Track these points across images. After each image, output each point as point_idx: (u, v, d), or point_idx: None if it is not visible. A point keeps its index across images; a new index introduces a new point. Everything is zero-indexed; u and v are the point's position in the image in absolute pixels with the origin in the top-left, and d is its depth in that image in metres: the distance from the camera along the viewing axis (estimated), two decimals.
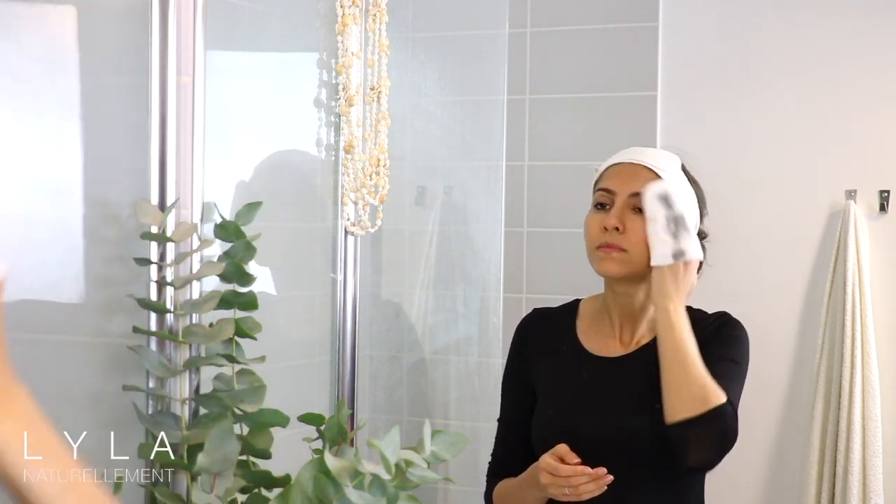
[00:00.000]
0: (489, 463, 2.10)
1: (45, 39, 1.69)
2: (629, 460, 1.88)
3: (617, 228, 1.89)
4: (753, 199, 3.14)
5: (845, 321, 2.97)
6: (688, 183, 1.97)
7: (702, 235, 2.04)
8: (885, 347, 3.01)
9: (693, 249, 1.87)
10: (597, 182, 1.99)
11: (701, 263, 2.05)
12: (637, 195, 1.90)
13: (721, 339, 1.93)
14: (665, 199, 1.87)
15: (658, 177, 1.92)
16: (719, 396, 1.81)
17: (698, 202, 1.98)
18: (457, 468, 2.55)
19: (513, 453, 2.04)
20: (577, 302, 2.08)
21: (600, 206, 1.94)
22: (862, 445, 2.93)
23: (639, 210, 1.90)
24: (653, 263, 1.87)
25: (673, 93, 3.16)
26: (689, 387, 1.81)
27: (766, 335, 3.08)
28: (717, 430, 1.82)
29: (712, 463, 1.86)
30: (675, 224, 1.86)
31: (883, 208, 3.03)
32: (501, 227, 2.80)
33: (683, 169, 1.99)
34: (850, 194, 3.05)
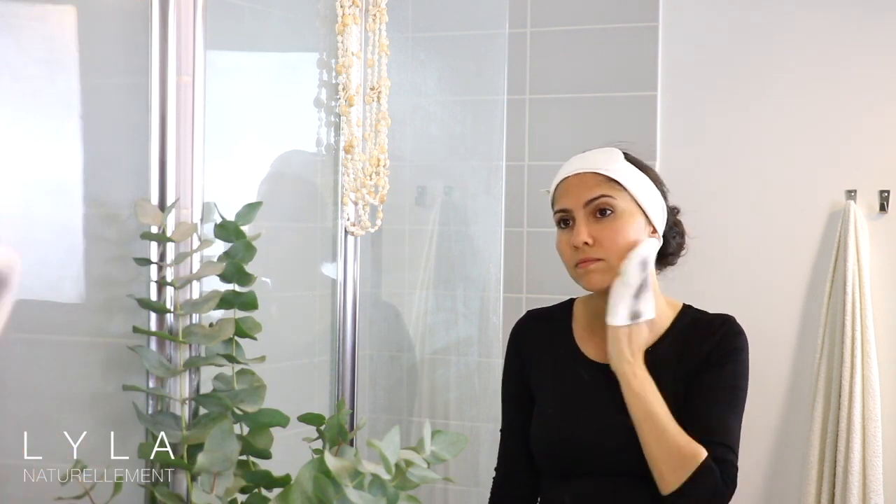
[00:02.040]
0: (493, 478, 2.07)
1: (45, 39, 1.69)
2: (628, 463, 1.87)
3: (586, 243, 1.88)
4: (753, 199, 3.14)
5: (845, 321, 2.97)
6: (637, 170, 1.95)
7: (674, 212, 2.03)
8: (885, 347, 3.02)
9: (648, 309, 1.88)
10: (552, 203, 1.98)
11: (681, 245, 2.04)
12: (591, 201, 1.89)
13: (724, 359, 1.91)
14: (644, 264, 1.88)
15: (607, 178, 1.91)
16: (697, 456, 1.82)
17: (655, 184, 1.97)
18: (457, 468, 2.55)
19: (519, 469, 2.02)
20: (571, 302, 2.07)
21: (564, 224, 1.93)
22: (862, 445, 2.94)
23: (600, 213, 1.90)
24: (609, 322, 1.88)
25: (673, 93, 3.16)
26: (667, 458, 1.82)
27: (766, 335, 3.08)
28: (707, 493, 1.83)
29: None
30: (643, 286, 1.88)
31: (883, 208, 3.04)
32: (501, 227, 2.80)
33: (628, 158, 1.97)
34: (850, 194, 3.05)
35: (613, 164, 1.93)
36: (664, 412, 1.83)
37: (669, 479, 1.82)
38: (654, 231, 1.95)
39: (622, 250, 1.88)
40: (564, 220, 1.93)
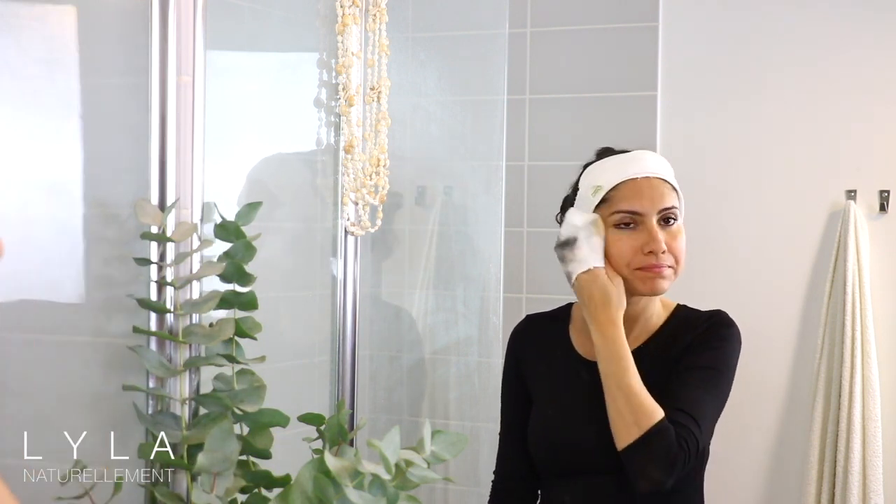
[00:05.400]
0: (492, 481, 2.07)
1: (45, 39, 1.69)
2: None
3: (663, 251, 1.88)
4: (753, 199, 3.14)
5: (845, 321, 2.97)
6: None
7: None
8: (885, 347, 3.02)
9: (578, 265, 1.90)
10: (607, 198, 1.92)
11: None
12: (665, 210, 1.90)
13: (706, 344, 1.91)
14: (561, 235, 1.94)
15: (672, 188, 1.93)
16: (653, 416, 1.80)
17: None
18: (457, 468, 2.55)
19: (518, 470, 2.02)
20: (569, 306, 2.07)
21: (625, 226, 1.90)
22: (862, 445, 2.93)
23: (665, 221, 1.90)
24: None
25: (673, 93, 3.16)
26: (621, 412, 1.82)
27: (766, 335, 3.08)
28: (659, 452, 1.80)
29: (664, 483, 1.82)
30: (561, 250, 1.93)
31: (883, 208, 3.04)
32: (501, 227, 2.80)
33: None
34: (850, 194, 3.05)
35: (672, 175, 1.96)
36: (631, 370, 1.84)
37: (623, 433, 1.81)
38: None
39: (684, 257, 1.92)
40: (627, 222, 1.90)
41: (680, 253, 1.91)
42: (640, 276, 1.90)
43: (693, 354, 1.90)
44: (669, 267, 1.90)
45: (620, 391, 1.83)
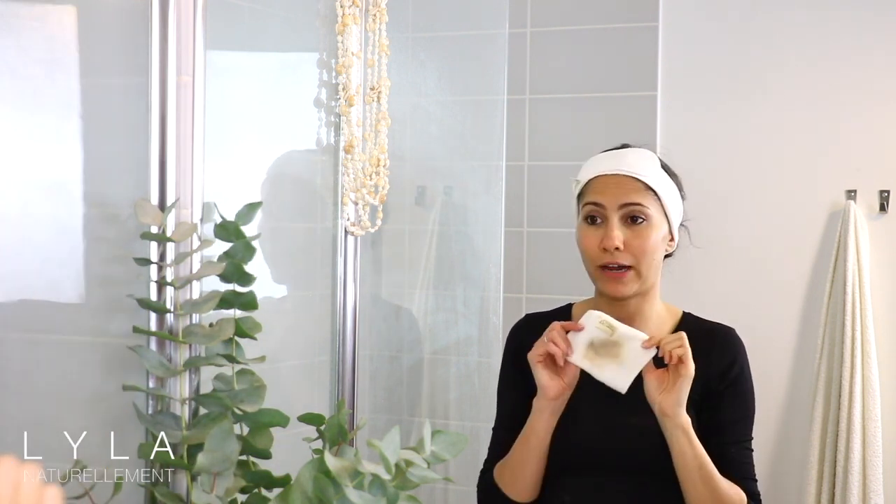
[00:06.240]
0: (482, 472, 2.06)
1: (45, 39, 1.69)
2: (629, 462, 1.88)
3: (617, 248, 1.87)
4: (753, 199, 3.14)
5: (845, 321, 2.97)
6: (669, 179, 1.96)
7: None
8: (885, 347, 3.02)
9: (613, 380, 1.82)
10: (581, 194, 1.96)
11: (671, 253, 2.03)
12: (627, 206, 1.89)
13: (735, 388, 1.93)
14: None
15: (645, 185, 1.90)
16: (743, 503, 1.86)
17: (679, 192, 1.98)
18: (457, 468, 2.55)
19: None
20: (569, 306, 2.06)
21: (591, 220, 1.92)
22: (862, 445, 2.94)
23: (631, 219, 1.89)
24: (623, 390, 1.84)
25: (673, 93, 3.17)
26: None
27: (766, 335, 3.08)
28: None
29: None
30: (597, 348, 1.85)
31: (883, 208, 3.04)
32: (501, 227, 2.80)
33: (662, 165, 1.97)
34: (850, 194, 3.05)
35: (651, 172, 1.93)
36: (710, 461, 1.85)
37: None
38: (672, 239, 1.95)
39: (648, 258, 1.89)
40: (593, 217, 1.91)
41: (642, 253, 1.88)
42: (600, 277, 1.91)
43: (732, 405, 1.92)
44: (628, 267, 1.88)
45: (716, 487, 1.84)
